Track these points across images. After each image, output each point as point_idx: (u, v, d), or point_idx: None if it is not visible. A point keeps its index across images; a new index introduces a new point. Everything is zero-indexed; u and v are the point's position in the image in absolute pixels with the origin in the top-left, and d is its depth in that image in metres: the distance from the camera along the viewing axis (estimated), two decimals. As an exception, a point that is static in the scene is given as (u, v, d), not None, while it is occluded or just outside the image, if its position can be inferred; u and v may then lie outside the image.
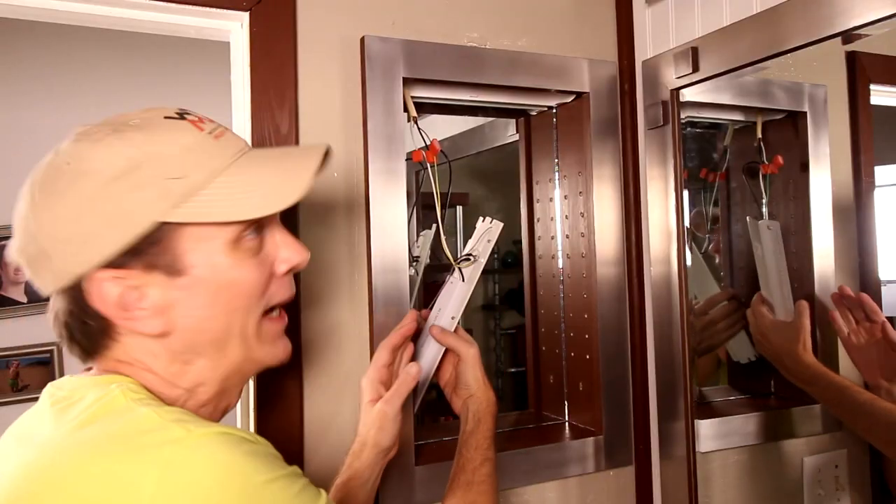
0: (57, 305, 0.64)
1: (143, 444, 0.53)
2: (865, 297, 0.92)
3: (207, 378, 0.66)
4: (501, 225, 0.94)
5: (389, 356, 0.86)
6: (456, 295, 0.93)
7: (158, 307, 0.61)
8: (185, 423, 0.54)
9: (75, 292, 0.61)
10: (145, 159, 0.60)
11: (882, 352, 0.91)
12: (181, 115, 0.65)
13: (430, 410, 1.43)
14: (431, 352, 0.91)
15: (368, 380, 0.85)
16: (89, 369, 0.67)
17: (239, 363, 0.67)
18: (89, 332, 0.63)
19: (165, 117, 0.64)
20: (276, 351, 0.70)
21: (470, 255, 0.93)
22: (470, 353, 0.89)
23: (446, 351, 0.92)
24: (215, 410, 0.68)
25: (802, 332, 0.98)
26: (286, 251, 0.68)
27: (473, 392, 0.88)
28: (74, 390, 0.62)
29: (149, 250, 0.60)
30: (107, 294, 0.60)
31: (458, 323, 0.92)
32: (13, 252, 0.63)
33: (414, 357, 0.90)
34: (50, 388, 0.65)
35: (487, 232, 0.94)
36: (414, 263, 1.07)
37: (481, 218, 0.96)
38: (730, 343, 1.13)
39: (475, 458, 0.83)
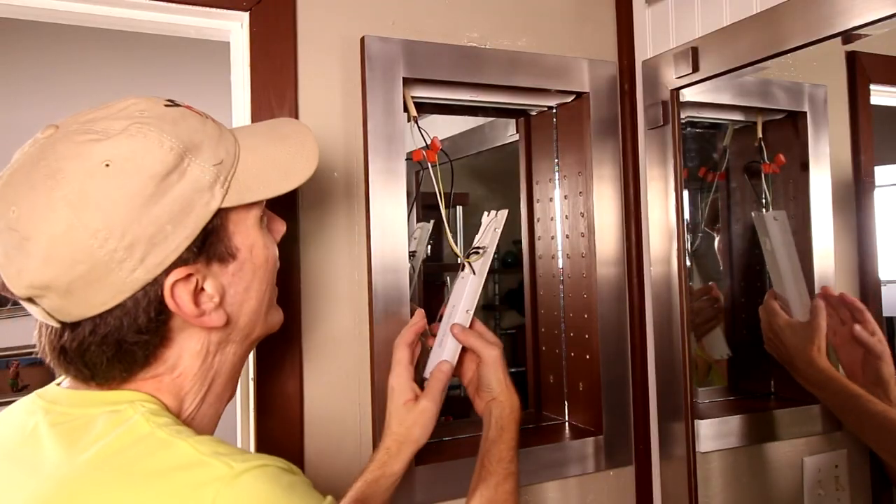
0: (81, 335, 0.57)
1: (184, 483, 0.50)
2: (847, 296, 0.92)
3: (228, 366, 0.66)
4: (506, 211, 0.94)
5: (410, 353, 0.87)
6: (469, 289, 0.92)
7: (217, 297, 0.61)
8: (223, 457, 0.52)
9: (134, 304, 0.57)
10: (185, 149, 0.59)
11: (862, 352, 0.91)
12: (174, 103, 0.64)
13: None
14: (450, 349, 0.90)
15: (402, 379, 0.85)
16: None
17: (256, 339, 0.69)
18: (143, 349, 0.59)
19: (165, 105, 0.62)
20: (280, 315, 0.73)
21: (478, 248, 0.93)
22: (491, 355, 0.87)
23: (464, 349, 0.91)
24: (220, 403, 0.67)
25: (818, 334, 0.96)
26: (276, 223, 0.72)
27: (496, 395, 0.86)
28: (76, 407, 0.59)
29: (208, 241, 0.60)
30: (182, 294, 0.58)
31: (472, 316, 0.92)
32: (34, 285, 0.55)
33: (430, 355, 0.90)
34: (39, 400, 0.62)
35: (493, 221, 0.94)
36: (411, 259, 1.07)
37: (486, 213, 0.96)
38: (706, 339, 1.13)
39: (498, 472, 0.81)
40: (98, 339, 0.57)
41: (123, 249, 0.55)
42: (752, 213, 1.07)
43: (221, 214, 0.61)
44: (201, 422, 0.64)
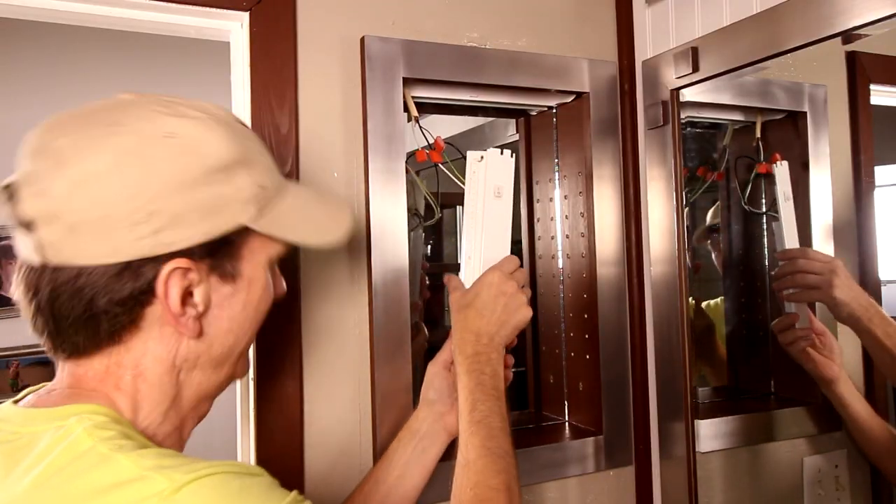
0: (57, 280, 0.56)
1: (122, 500, 0.48)
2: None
3: (193, 390, 0.63)
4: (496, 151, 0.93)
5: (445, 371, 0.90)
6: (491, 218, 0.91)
7: (201, 307, 0.60)
8: (166, 469, 0.50)
9: (124, 271, 0.56)
10: (241, 159, 0.61)
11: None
12: (243, 123, 0.67)
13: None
14: None
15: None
16: (48, 390, 0.61)
17: (224, 381, 0.66)
18: (110, 323, 0.57)
19: (237, 121, 0.65)
20: (245, 369, 0.71)
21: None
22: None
23: None
24: (184, 424, 0.65)
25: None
26: (279, 280, 0.71)
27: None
28: (25, 426, 0.56)
29: (220, 250, 0.60)
30: (174, 285, 0.57)
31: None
32: (47, 210, 0.55)
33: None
34: None
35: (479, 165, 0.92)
36: (421, 222, 1.06)
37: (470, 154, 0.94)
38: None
39: (462, 430, 0.78)
40: (72, 290, 0.55)
41: (144, 213, 0.55)
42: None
43: (243, 234, 0.62)
44: (164, 439, 0.62)
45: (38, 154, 0.57)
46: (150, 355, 0.60)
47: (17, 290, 0.59)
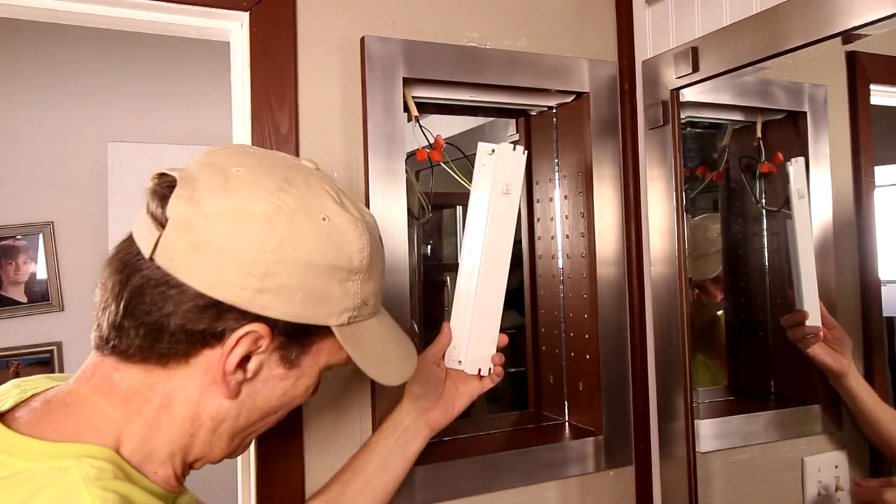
0: (151, 276, 0.56)
1: None
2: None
3: (203, 448, 0.63)
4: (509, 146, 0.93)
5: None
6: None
7: (250, 376, 0.61)
8: None
9: (209, 308, 0.56)
10: (363, 272, 0.63)
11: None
12: (379, 236, 0.69)
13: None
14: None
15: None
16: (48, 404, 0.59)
17: (226, 456, 0.66)
18: (169, 345, 0.57)
19: (379, 236, 0.68)
20: (246, 448, 0.70)
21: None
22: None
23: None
24: (185, 465, 0.63)
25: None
26: (320, 385, 0.71)
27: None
28: (18, 458, 0.53)
29: (297, 335, 0.61)
30: (243, 344, 0.58)
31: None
32: (189, 220, 0.56)
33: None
34: None
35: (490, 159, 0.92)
36: (416, 221, 1.06)
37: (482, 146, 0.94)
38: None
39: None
40: (157, 295, 0.56)
41: (262, 271, 0.56)
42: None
43: (323, 332, 0.62)
44: (171, 470, 0.61)
45: (212, 168, 0.59)
46: (184, 393, 0.59)
47: (105, 266, 0.59)
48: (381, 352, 0.69)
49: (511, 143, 0.99)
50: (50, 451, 0.54)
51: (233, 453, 0.67)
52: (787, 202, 1.03)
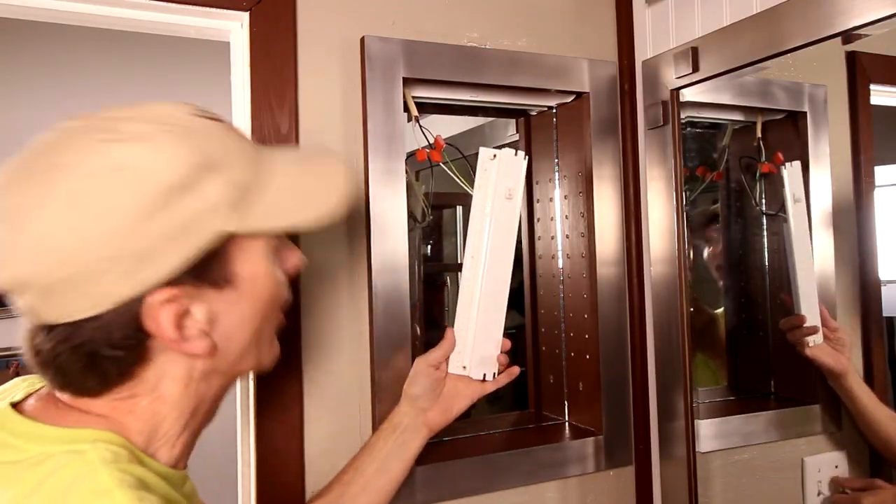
0: (54, 340, 0.54)
1: None
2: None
3: (211, 396, 0.62)
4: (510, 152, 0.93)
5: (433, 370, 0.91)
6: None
7: (207, 324, 0.57)
8: None
9: (112, 318, 0.53)
10: (204, 165, 0.55)
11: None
12: (205, 114, 0.60)
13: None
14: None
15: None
16: (49, 400, 0.58)
17: (244, 372, 0.65)
18: (117, 366, 0.55)
19: (195, 115, 0.59)
20: (276, 351, 0.68)
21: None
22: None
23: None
24: (198, 430, 0.63)
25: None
26: (293, 255, 0.67)
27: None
28: (29, 442, 0.54)
29: (205, 264, 0.56)
30: (165, 315, 0.54)
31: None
32: (16, 278, 0.52)
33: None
34: None
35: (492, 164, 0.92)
36: (416, 224, 1.06)
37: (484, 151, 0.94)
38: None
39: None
40: (70, 348, 0.54)
41: (109, 260, 0.52)
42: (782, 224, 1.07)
43: (230, 238, 0.57)
44: (180, 447, 0.61)
45: None
46: (166, 378, 0.58)
47: (25, 353, 0.58)
48: (301, 197, 0.63)
49: (512, 147, 0.99)
50: (65, 436, 0.54)
51: (258, 364, 0.65)
52: (783, 206, 1.03)
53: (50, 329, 0.54)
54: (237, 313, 0.59)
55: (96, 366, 0.55)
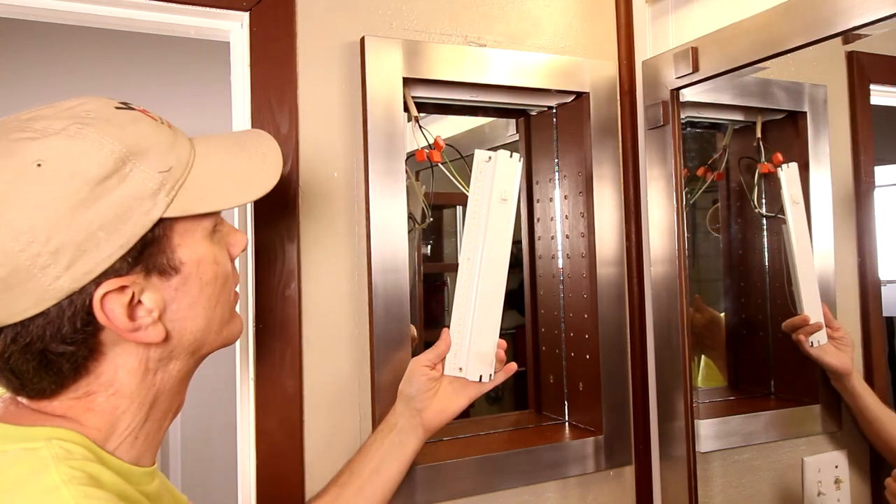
0: (3, 342, 0.53)
1: None
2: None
3: (172, 383, 0.63)
4: (506, 153, 0.93)
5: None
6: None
7: (156, 312, 0.58)
8: None
9: (58, 312, 0.53)
10: (129, 154, 0.55)
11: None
12: (128, 106, 0.61)
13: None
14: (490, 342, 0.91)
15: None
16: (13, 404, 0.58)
17: (207, 353, 0.65)
18: (70, 361, 0.55)
19: (116, 108, 0.59)
20: (238, 326, 0.69)
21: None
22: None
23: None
24: (164, 419, 0.64)
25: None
26: (235, 236, 0.68)
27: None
28: None
29: (146, 251, 0.56)
30: (115, 305, 0.55)
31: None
32: None
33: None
34: None
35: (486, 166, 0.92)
36: (417, 225, 1.06)
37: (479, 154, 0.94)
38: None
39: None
40: (20, 348, 0.54)
41: (48, 255, 0.51)
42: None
43: (165, 225, 0.58)
44: (142, 444, 0.61)
45: None
46: (121, 371, 0.58)
47: None
48: (230, 176, 0.64)
49: (512, 147, 0.99)
50: (21, 434, 0.54)
51: (224, 343, 0.66)
52: (781, 209, 1.03)
53: None
54: (186, 298, 0.60)
55: (49, 364, 0.55)
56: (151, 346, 0.59)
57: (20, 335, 0.53)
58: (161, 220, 0.57)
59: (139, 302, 0.57)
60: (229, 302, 0.67)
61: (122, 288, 0.55)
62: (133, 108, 0.61)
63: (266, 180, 0.67)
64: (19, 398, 0.58)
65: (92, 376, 0.58)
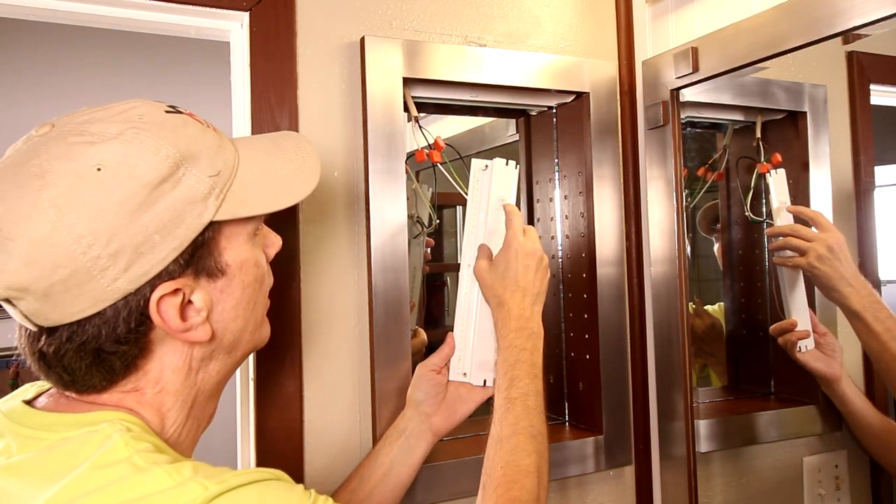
0: (58, 340, 0.55)
1: None
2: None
3: (211, 383, 0.64)
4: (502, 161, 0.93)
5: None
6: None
7: (205, 312, 0.60)
8: (200, 478, 0.50)
9: (114, 313, 0.55)
10: (182, 158, 0.57)
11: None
12: (176, 110, 0.62)
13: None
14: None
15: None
16: (58, 394, 0.60)
17: (242, 356, 0.67)
18: (122, 359, 0.57)
19: (166, 112, 0.61)
20: (267, 331, 0.71)
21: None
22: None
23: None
24: (201, 423, 0.66)
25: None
26: (272, 237, 0.71)
27: (501, 300, 0.86)
28: (49, 430, 0.56)
29: (196, 254, 0.58)
30: (168, 308, 0.57)
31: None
32: (12, 286, 0.53)
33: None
34: (5, 421, 0.58)
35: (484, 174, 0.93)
36: (424, 229, 1.06)
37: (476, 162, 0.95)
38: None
39: (498, 407, 0.79)
40: (75, 347, 0.55)
41: (108, 257, 0.53)
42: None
43: (213, 227, 0.60)
44: (183, 443, 0.63)
45: None
46: (167, 369, 0.60)
47: (25, 356, 0.59)
48: (274, 180, 0.66)
49: (512, 147, 0.99)
50: (82, 420, 0.56)
51: (255, 347, 0.69)
52: (769, 214, 1.03)
53: (52, 331, 0.56)
54: (230, 300, 0.62)
55: (102, 361, 0.57)
56: (196, 345, 0.61)
57: (76, 334, 0.55)
58: (210, 224, 0.59)
59: (189, 302, 0.59)
60: (265, 304, 0.69)
61: (176, 291, 0.57)
62: (181, 112, 0.62)
63: (307, 183, 0.69)
64: (67, 392, 0.59)
65: (140, 373, 0.59)
